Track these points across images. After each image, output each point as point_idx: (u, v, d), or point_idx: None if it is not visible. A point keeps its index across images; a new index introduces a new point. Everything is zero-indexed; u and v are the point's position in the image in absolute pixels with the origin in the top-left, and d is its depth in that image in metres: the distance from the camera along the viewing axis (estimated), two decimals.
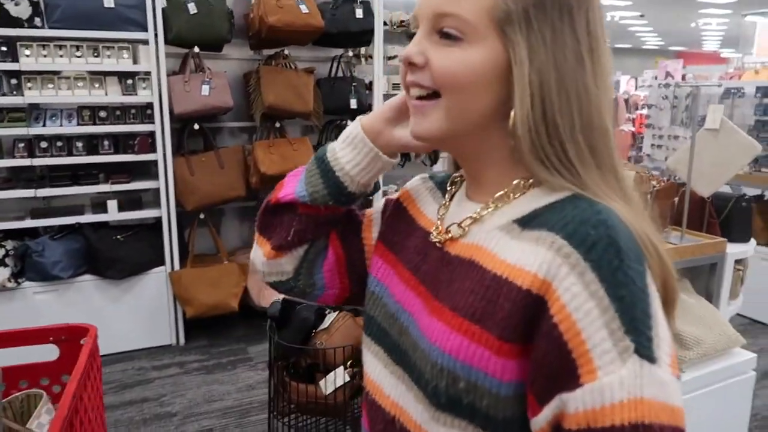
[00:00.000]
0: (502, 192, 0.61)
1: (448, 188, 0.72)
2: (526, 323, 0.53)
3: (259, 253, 0.79)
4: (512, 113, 0.56)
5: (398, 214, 0.75)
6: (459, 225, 0.63)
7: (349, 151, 0.72)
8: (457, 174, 0.72)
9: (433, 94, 0.59)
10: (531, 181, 0.60)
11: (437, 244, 0.66)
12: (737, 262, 2.41)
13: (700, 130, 2.09)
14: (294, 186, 0.75)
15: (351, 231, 0.79)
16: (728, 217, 2.51)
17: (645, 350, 0.49)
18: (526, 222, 0.57)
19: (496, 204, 0.61)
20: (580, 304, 0.50)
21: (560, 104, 0.56)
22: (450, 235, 0.64)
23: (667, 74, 5.04)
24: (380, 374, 0.69)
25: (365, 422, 0.76)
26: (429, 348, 0.59)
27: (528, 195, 0.60)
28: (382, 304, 0.71)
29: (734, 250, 2.32)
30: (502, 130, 0.59)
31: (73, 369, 1.20)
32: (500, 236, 0.59)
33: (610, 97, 0.59)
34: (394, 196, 0.79)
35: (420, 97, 0.60)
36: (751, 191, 3.65)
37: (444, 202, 0.70)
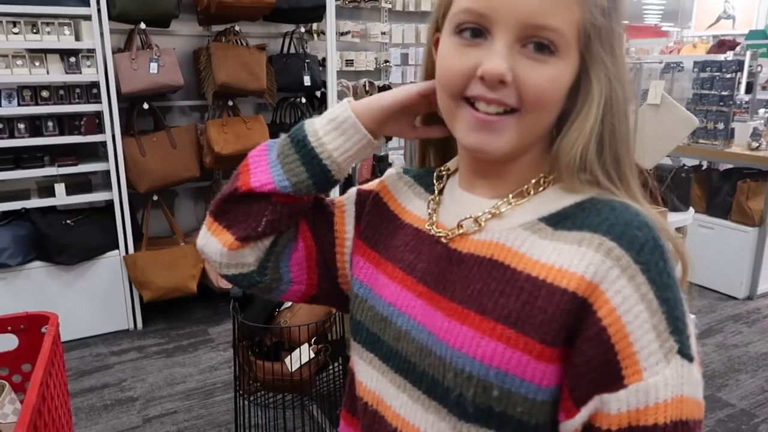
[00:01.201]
0: (522, 188, 0.59)
1: (435, 183, 0.68)
2: (569, 327, 0.52)
3: (215, 242, 0.68)
4: (584, 127, 0.55)
5: (378, 210, 0.71)
6: (476, 220, 0.60)
7: (336, 136, 0.65)
8: (442, 168, 0.69)
9: (510, 110, 0.55)
10: (551, 177, 0.59)
11: (442, 240, 0.62)
12: (677, 229, 2.55)
13: (642, 105, 2.19)
14: (268, 173, 0.66)
15: (322, 222, 0.73)
16: (669, 187, 2.65)
17: (686, 349, 0.51)
18: (557, 222, 0.56)
19: (516, 199, 0.59)
20: (630, 307, 0.50)
21: (622, 115, 0.55)
22: (462, 230, 0.61)
23: None
24: (379, 384, 0.65)
25: (346, 428, 0.72)
26: (450, 354, 0.56)
27: (548, 192, 0.59)
28: (368, 307, 0.66)
29: (675, 218, 2.46)
30: (546, 137, 0.58)
31: (35, 358, 1.19)
32: (527, 235, 0.56)
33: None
34: (368, 187, 0.74)
35: (494, 113, 0.55)
36: (689, 162, 3.84)
37: (432, 196, 0.67)
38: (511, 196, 0.59)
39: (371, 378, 0.66)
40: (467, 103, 0.56)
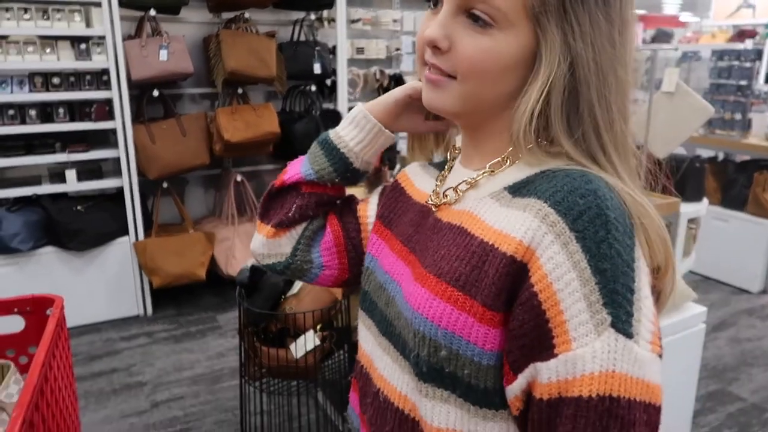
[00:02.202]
0: (498, 159, 0.61)
1: (448, 162, 0.72)
2: (507, 290, 0.52)
3: (257, 236, 0.81)
4: (527, 100, 0.55)
5: (395, 194, 0.76)
6: (455, 189, 0.63)
7: (351, 129, 0.75)
8: (454, 148, 0.73)
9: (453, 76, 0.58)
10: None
11: (432, 209, 0.66)
12: (690, 221, 2.51)
13: (656, 93, 2.15)
14: (298, 168, 0.78)
15: (348, 212, 0.81)
16: (683, 177, 2.61)
17: (622, 324, 0.48)
18: (517, 189, 0.57)
19: (492, 169, 0.61)
20: (561, 274, 0.49)
21: (598, 91, 0.55)
22: (446, 199, 0.64)
23: None
24: (371, 346, 0.70)
25: (353, 398, 0.76)
26: (412, 315, 0.59)
27: (520, 163, 0.59)
28: (373, 277, 0.71)
29: (688, 209, 2.42)
30: (507, 110, 0.58)
31: (40, 340, 1.20)
32: (490, 203, 0.58)
33: (632, 79, 0.58)
34: (392, 181, 0.81)
35: (437, 72, 0.59)
36: (705, 153, 3.78)
37: (442, 172, 0.71)
38: (488, 166, 0.61)
39: (367, 342, 0.71)
40: (426, 67, 0.61)
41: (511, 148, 0.60)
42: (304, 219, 0.79)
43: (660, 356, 0.51)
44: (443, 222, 0.62)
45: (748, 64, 3.60)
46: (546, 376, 0.49)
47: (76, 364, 2.69)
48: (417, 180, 0.75)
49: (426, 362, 0.57)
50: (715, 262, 3.70)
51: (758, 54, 3.64)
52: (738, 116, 3.65)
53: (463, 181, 0.63)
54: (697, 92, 2.27)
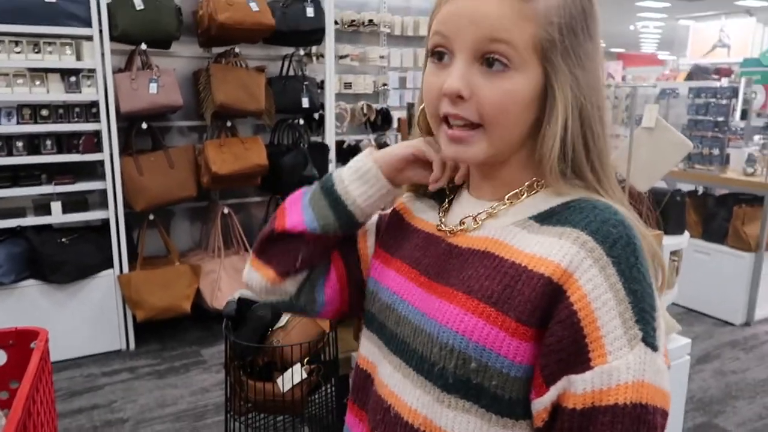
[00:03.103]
0: (516, 191, 0.65)
1: (447, 195, 0.75)
2: (543, 308, 0.56)
3: (258, 277, 0.79)
4: (550, 135, 0.59)
5: (395, 222, 0.79)
6: (474, 218, 0.66)
7: (359, 185, 0.74)
8: (450, 184, 0.75)
9: (476, 124, 0.61)
10: (543, 181, 0.64)
11: (448, 234, 0.68)
12: (673, 253, 2.55)
13: (637, 129, 2.21)
14: (300, 216, 0.76)
15: (350, 246, 0.82)
16: (664, 210, 2.66)
17: (650, 339, 0.54)
18: (545, 218, 0.61)
19: (511, 201, 0.65)
20: (599, 294, 0.54)
21: (593, 119, 0.60)
22: (463, 227, 0.67)
23: (609, 75, 5.25)
24: (381, 365, 0.72)
25: (351, 421, 0.77)
26: (438, 330, 0.62)
27: (540, 195, 0.64)
28: (377, 299, 0.74)
29: (670, 242, 2.46)
30: (528, 142, 0.62)
31: (23, 374, 1.17)
32: (517, 231, 0.62)
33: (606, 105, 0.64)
34: (388, 210, 0.83)
35: (461, 126, 0.61)
36: (685, 187, 3.86)
37: (444, 205, 0.74)
38: (506, 197, 0.65)
39: (375, 359, 0.73)
40: (444, 122, 0.63)
41: (528, 181, 0.64)
42: (311, 266, 0.79)
43: (669, 367, 0.57)
44: (462, 248, 0.66)
45: (724, 101, 3.71)
46: (581, 387, 0.54)
47: (56, 400, 2.62)
48: (415, 210, 0.78)
49: (452, 374, 0.60)
50: (697, 295, 3.74)
51: (734, 91, 3.76)
52: (716, 151, 3.74)
53: (484, 212, 0.66)
54: (676, 128, 2.33)
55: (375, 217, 0.83)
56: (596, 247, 0.56)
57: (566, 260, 0.56)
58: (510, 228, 0.63)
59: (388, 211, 0.84)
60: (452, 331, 0.60)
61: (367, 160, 0.74)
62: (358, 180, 0.74)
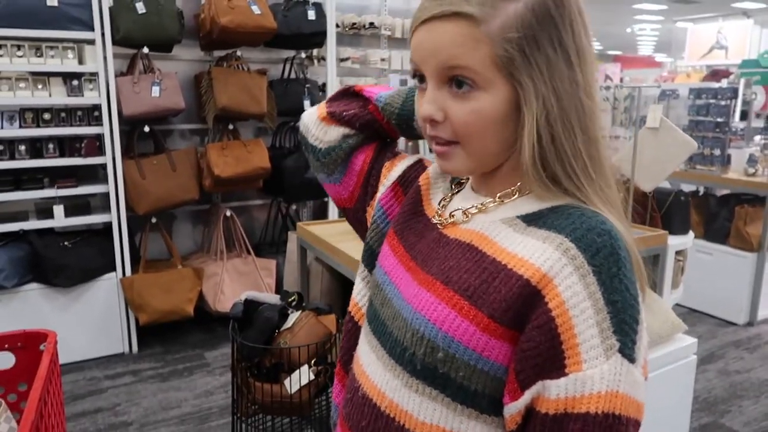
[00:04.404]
0: (508, 190, 0.66)
1: (453, 185, 0.77)
2: (517, 309, 0.57)
3: (314, 110, 0.88)
4: (524, 146, 0.60)
5: (413, 200, 0.80)
6: (464, 212, 0.68)
7: None
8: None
9: (454, 141, 0.63)
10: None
11: (438, 226, 0.70)
12: (677, 253, 2.55)
13: (641, 129, 2.21)
14: (379, 91, 0.84)
15: (383, 156, 0.86)
16: (668, 210, 2.66)
17: (628, 350, 0.55)
18: (532, 220, 0.62)
19: (501, 199, 0.66)
20: (578, 302, 0.55)
21: (564, 128, 0.60)
22: (453, 219, 0.69)
23: (607, 77, 5.26)
24: (361, 345, 0.75)
25: (337, 389, 0.82)
26: (412, 316, 0.63)
27: (530, 196, 0.64)
28: (375, 282, 0.76)
29: (675, 242, 2.46)
30: (514, 151, 0.63)
31: (31, 377, 1.17)
32: (503, 228, 0.63)
33: (598, 105, 0.63)
34: (421, 170, 0.84)
35: (442, 143, 0.64)
36: (687, 187, 3.86)
37: (448, 194, 0.76)
38: (498, 195, 0.66)
39: (362, 341, 0.75)
40: (432, 139, 0.66)
41: (519, 183, 0.65)
42: (350, 126, 0.84)
43: (646, 380, 0.58)
44: (450, 238, 0.67)
45: (724, 102, 3.72)
46: (555, 392, 0.54)
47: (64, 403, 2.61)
48: (432, 191, 0.80)
49: (421, 361, 0.61)
50: (700, 295, 3.74)
51: (734, 92, 3.77)
52: (717, 152, 3.75)
53: (473, 206, 0.68)
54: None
55: (412, 159, 0.85)
56: (578, 255, 0.56)
57: (547, 265, 0.56)
58: (497, 224, 0.64)
59: (421, 169, 0.85)
60: (424, 318, 0.61)
61: None
62: None
